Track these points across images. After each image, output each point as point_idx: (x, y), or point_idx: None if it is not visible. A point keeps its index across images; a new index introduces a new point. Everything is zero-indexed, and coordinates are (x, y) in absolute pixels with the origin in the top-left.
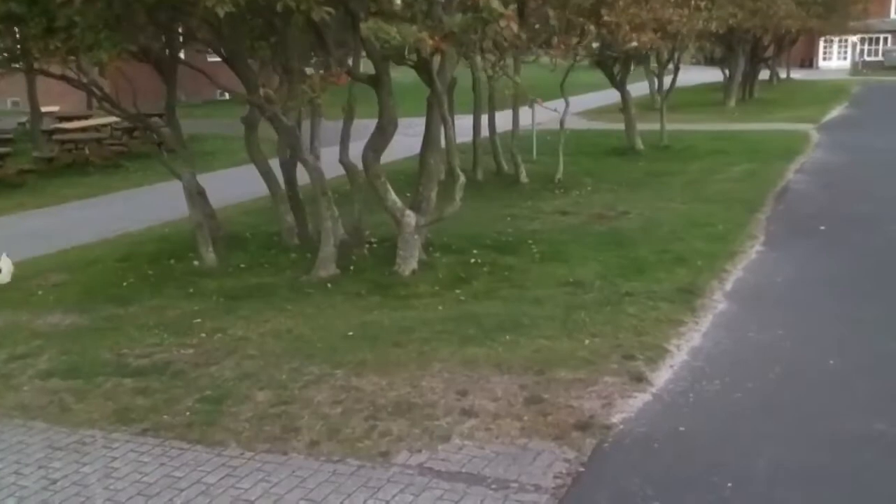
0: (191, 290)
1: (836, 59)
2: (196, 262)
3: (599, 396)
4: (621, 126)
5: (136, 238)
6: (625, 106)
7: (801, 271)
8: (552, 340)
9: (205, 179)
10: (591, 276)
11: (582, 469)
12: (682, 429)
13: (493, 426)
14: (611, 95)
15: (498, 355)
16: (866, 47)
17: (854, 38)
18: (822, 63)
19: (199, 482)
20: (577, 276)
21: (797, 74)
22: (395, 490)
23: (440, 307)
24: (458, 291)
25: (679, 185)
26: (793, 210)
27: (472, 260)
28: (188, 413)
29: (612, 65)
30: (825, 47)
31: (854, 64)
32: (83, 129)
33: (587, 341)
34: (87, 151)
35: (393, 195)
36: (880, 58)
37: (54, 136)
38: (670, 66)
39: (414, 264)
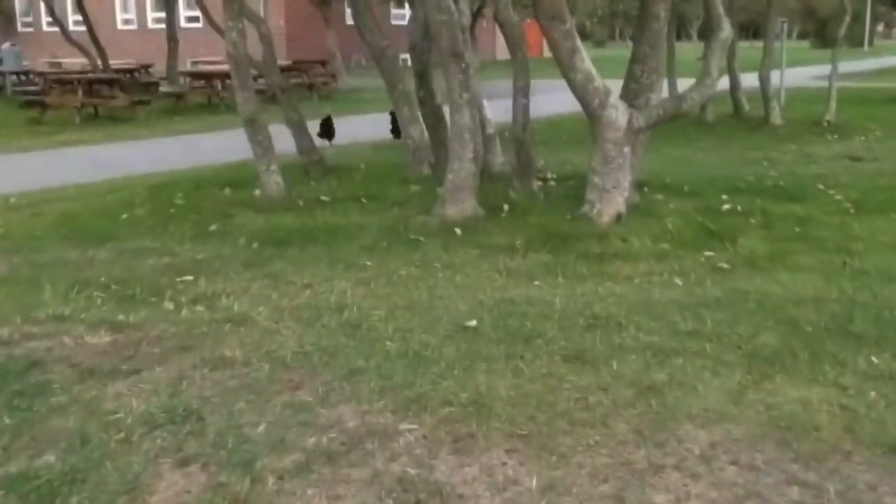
0: (212, 228)
1: None
2: (258, 192)
3: None
4: (888, 84)
5: (217, 168)
6: None
7: None
8: None
9: (348, 120)
10: None
11: None
12: None
13: None
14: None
15: (871, 415)
16: None
17: None
18: None
19: None
20: None
21: None
22: None
23: (678, 280)
24: (708, 254)
25: None
26: None
27: (724, 206)
28: None
29: None
30: None
31: None
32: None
33: None
34: (219, 87)
35: (588, 61)
36: None
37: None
38: None
39: (620, 204)
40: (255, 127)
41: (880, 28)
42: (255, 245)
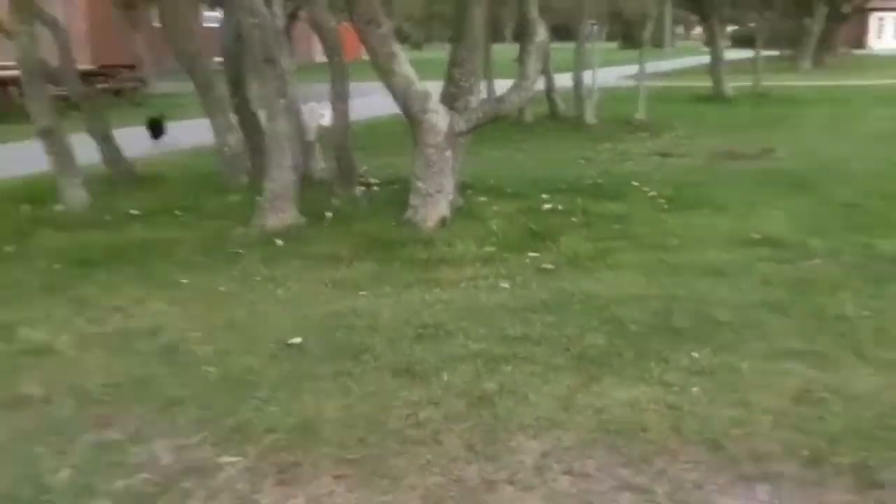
0: (8, 250)
1: (891, 38)
2: (60, 207)
3: None
4: (689, 83)
5: (14, 182)
6: (710, 37)
7: None
8: (830, 370)
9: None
10: (787, 231)
11: None
12: None
13: None
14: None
15: (695, 411)
16: None
17: None
18: (874, 43)
19: None
20: (762, 230)
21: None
22: None
23: (504, 283)
24: (533, 255)
25: (814, 126)
26: None
27: (545, 206)
28: None
29: None
30: (880, 25)
31: None
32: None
33: None
34: (15, 94)
35: (407, 65)
36: None
37: None
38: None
39: (444, 208)
40: (52, 138)
41: (680, 30)
42: (57, 266)
